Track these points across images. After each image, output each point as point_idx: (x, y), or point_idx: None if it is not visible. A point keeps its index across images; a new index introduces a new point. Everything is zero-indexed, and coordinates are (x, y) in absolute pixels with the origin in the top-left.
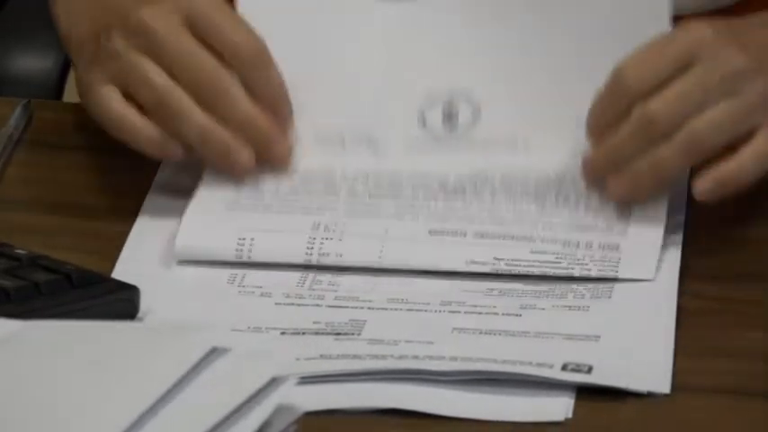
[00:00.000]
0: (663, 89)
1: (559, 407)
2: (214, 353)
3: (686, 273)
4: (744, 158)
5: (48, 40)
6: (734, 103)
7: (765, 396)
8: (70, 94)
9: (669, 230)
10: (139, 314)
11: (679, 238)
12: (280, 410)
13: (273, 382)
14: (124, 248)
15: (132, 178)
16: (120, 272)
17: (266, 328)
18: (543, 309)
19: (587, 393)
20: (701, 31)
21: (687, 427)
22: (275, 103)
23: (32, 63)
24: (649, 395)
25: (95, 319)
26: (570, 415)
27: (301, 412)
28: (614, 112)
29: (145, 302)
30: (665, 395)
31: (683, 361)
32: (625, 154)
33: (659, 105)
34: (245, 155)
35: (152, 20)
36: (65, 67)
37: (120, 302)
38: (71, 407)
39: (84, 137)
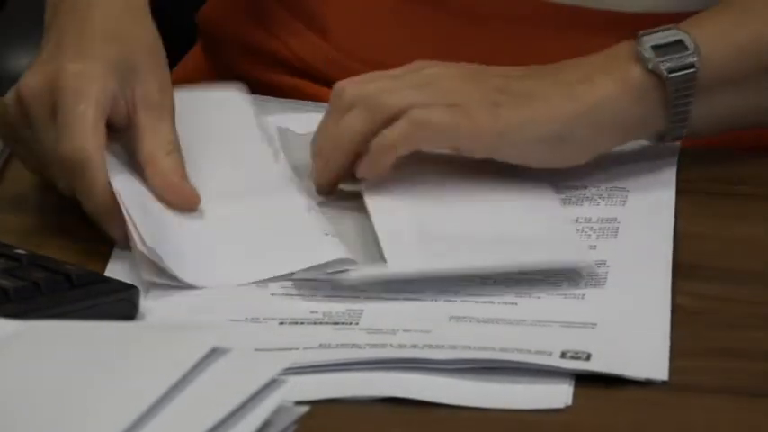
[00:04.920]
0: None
1: (559, 394)
2: (214, 353)
3: (685, 273)
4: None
5: None
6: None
7: (766, 396)
8: None
9: (658, 222)
10: (139, 314)
11: (669, 227)
12: (280, 410)
13: (274, 382)
14: (114, 249)
15: None
16: (115, 266)
17: (264, 319)
18: (539, 297)
19: (584, 380)
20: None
21: (686, 428)
22: (97, 209)
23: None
24: (648, 382)
25: (95, 319)
26: (570, 402)
27: (302, 412)
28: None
29: (141, 297)
30: (664, 394)
31: (683, 361)
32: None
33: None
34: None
35: (29, 100)
36: None
37: (120, 302)
38: (71, 407)
39: None
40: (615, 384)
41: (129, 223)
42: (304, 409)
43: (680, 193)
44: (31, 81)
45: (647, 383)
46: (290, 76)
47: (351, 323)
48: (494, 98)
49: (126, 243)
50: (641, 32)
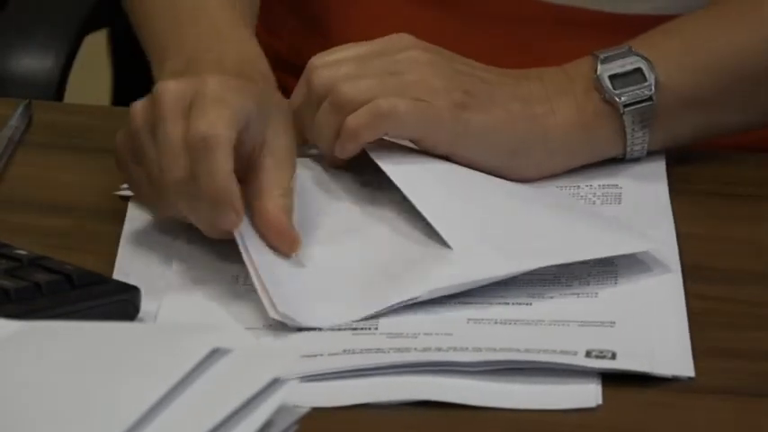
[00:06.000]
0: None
1: (589, 393)
2: (216, 353)
3: (686, 273)
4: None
5: (48, 41)
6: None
7: (766, 396)
8: (71, 95)
9: (659, 220)
10: (140, 315)
11: (669, 223)
12: (282, 410)
13: (275, 383)
14: (120, 248)
15: None
16: (121, 272)
17: (281, 325)
18: (552, 297)
19: (605, 379)
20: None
21: (687, 428)
22: (217, 193)
23: (33, 63)
24: (651, 381)
25: (96, 320)
26: (601, 401)
27: (303, 412)
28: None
29: (149, 304)
30: (664, 394)
31: None
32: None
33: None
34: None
35: (166, 97)
36: (66, 67)
37: (121, 303)
38: (72, 408)
39: (84, 137)
40: (615, 385)
41: (254, 277)
42: (305, 409)
43: (680, 193)
44: (171, 83)
45: (647, 384)
46: (294, 76)
47: (370, 328)
48: (458, 98)
49: (231, 233)
50: (602, 55)
